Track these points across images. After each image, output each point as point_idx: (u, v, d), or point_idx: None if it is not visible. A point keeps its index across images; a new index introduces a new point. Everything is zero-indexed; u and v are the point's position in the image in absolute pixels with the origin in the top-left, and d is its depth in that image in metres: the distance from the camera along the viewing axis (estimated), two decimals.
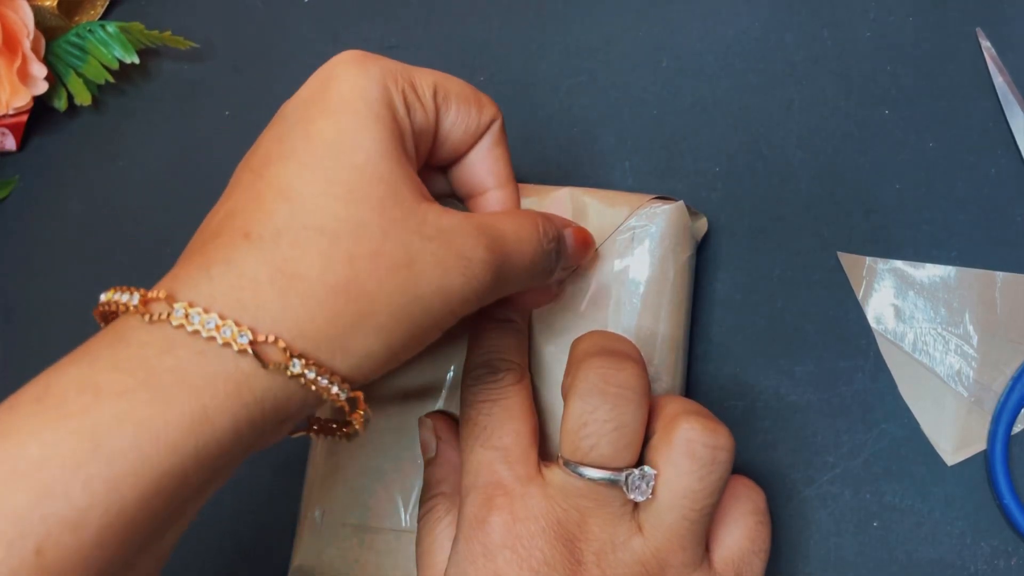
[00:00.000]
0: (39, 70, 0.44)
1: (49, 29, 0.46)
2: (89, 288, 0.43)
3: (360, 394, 0.24)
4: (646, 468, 0.26)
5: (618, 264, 0.33)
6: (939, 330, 0.35)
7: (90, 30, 0.45)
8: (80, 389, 0.20)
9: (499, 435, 0.28)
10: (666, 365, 0.33)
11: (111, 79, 0.45)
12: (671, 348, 0.33)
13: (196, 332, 0.21)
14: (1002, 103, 0.37)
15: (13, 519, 0.18)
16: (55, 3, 0.45)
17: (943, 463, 0.34)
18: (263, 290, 0.22)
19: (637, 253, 0.33)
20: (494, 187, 0.30)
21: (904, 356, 0.35)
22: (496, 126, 0.29)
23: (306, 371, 0.22)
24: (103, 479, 0.19)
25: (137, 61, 0.45)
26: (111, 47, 0.45)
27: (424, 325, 0.24)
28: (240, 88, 0.45)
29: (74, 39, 0.45)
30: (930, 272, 0.35)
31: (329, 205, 0.23)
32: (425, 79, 0.27)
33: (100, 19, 0.47)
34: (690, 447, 0.26)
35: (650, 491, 0.26)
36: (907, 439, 0.34)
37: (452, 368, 0.34)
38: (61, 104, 0.46)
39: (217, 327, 0.21)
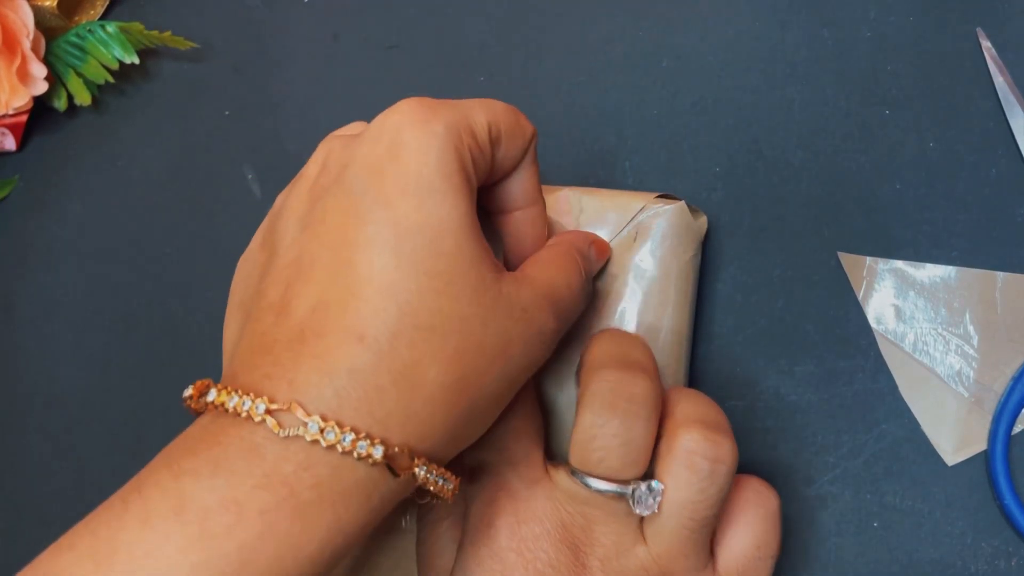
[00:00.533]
0: (39, 70, 0.44)
1: (49, 29, 0.46)
2: (89, 288, 0.43)
3: (458, 480, 0.25)
4: (654, 483, 0.26)
5: (621, 264, 0.33)
6: (939, 330, 0.35)
7: (90, 30, 0.45)
8: (223, 507, 0.20)
9: (501, 437, 0.28)
10: (669, 364, 0.33)
11: (111, 79, 0.45)
12: (674, 347, 0.33)
13: (332, 447, 0.21)
14: (1002, 103, 0.36)
15: None
16: (55, 3, 0.45)
17: (943, 463, 0.34)
18: (388, 397, 0.22)
19: (640, 253, 0.33)
20: (525, 206, 0.29)
21: (904, 356, 0.35)
22: (532, 145, 0.29)
23: (428, 474, 0.23)
24: None
25: (137, 61, 0.45)
26: (111, 47, 0.45)
27: (510, 399, 0.26)
28: (240, 88, 0.45)
29: (74, 39, 0.45)
30: (930, 272, 0.35)
31: (433, 301, 0.23)
32: (480, 120, 0.26)
33: (100, 19, 0.47)
34: (690, 459, 0.26)
35: (656, 506, 0.26)
36: (907, 439, 0.34)
37: None
38: (61, 104, 0.46)
39: (353, 443, 0.21)
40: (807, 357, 0.36)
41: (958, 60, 0.38)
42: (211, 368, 0.40)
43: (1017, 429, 0.33)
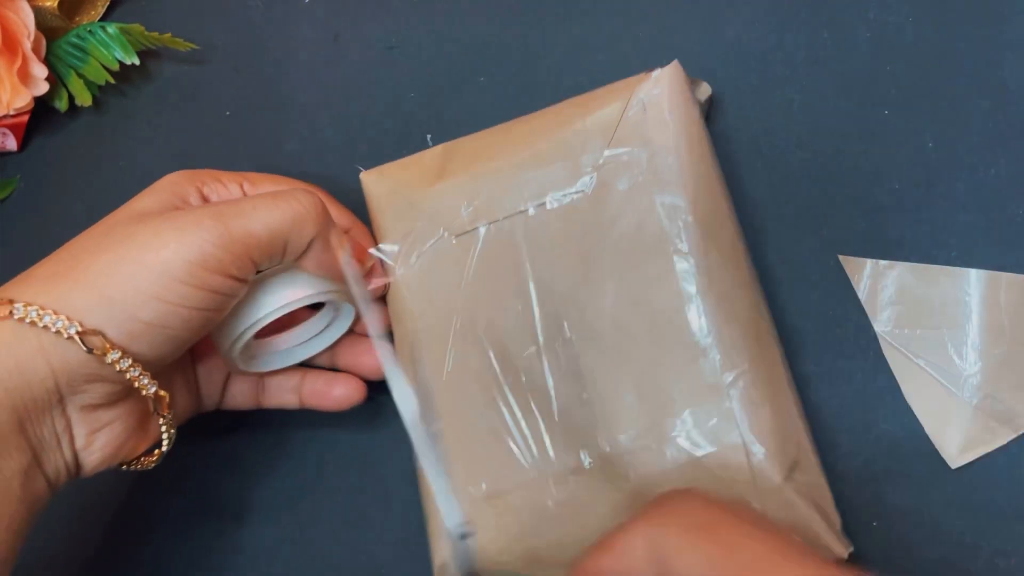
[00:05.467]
0: (40, 71, 0.44)
1: (50, 30, 0.46)
2: None
3: (166, 396, 0.31)
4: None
5: (641, 144, 0.34)
6: (942, 331, 0.35)
7: (90, 31, 0.45)
8: None
9: None
10: (721, 240, 0.34)
11: (111, 80, 0.45)
12: (714, 220, 0.34)
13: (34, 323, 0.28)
14: None
15: None
16: (56, 4, 0.45)
17: (943, 464, 0.34)
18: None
19: (652, 123, 0.34)
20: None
21: (907, 359, 0.35)
22: (313, 242, 0.33)
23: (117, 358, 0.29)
24: None
25: (137, 62, 0.45)
26: (111, 48, 0.45)
27: (154, 293, 0.29)
28: (240, 89, 0.45)
29: (75, 40, 0.45)
30: (933, 273, 0.35)
31: (81, 238, 0.32)
32: (231, 176, 0.35)
33: (100, 20, 0.47)
34: None
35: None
36: (907, 439, 0.34)
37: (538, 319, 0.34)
38: (62, 105, 0.46)
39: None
40: (807, 357, 0.36)
41: (957, 60, 0.38)
42: None
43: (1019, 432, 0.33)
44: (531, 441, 0.33)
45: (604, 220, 0.34)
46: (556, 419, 0.33)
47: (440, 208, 0.36)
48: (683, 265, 0.33)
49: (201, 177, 0.34)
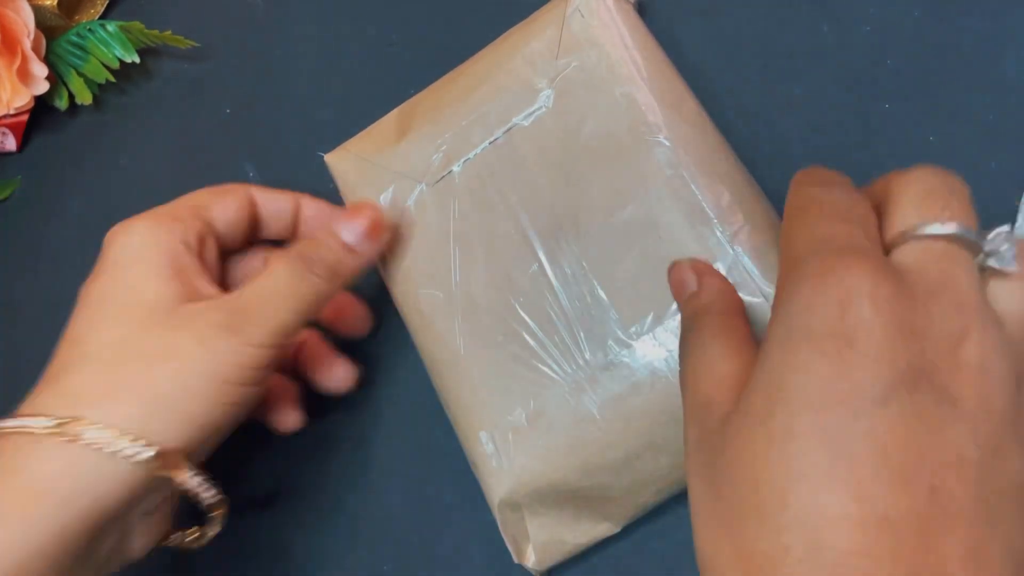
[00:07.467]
0: (40, 69, 0.44)
1: (49, 28, 0.46)
2: None
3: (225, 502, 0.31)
4: (1010, 228, 0.22)
5: (588, 47, 0.35)
6: None
7: (90, 29, 0.45)
8: None
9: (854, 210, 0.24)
10: (695, 134, 0.34)
11: (112, 78, 0.45)
12: (668, 97, 0.34)
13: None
14: None
15: None
16: (55, 2, 0.45)
17: None
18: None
19: (592, 25, 0.35)
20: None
21: None
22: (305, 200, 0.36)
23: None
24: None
25: (137, 60, 0.45)
26: (111, 46, 0.45)
27: (212, 399, 0.29)
28: (240, 87, 0.45)
29: (74, 38, 0.45)
30: None
31: (104, 335, 0.30)
32: (228, 204, 0.35)
33: (100, 18, 0.47)
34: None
35: (1012, 258, 0.22)
36: None
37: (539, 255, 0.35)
38: (62, 103, 0.46)
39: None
40: None
41: (958, 54, 0.38)
42: None
43: None
44: (557, 352, 0.34)
45: (571, 126, 0.35)
46: (575, 323, 0.34)
47: (411, 162, 0.36)
48: (656, 144, 0.34)
49: (182, 232, 0.33)
